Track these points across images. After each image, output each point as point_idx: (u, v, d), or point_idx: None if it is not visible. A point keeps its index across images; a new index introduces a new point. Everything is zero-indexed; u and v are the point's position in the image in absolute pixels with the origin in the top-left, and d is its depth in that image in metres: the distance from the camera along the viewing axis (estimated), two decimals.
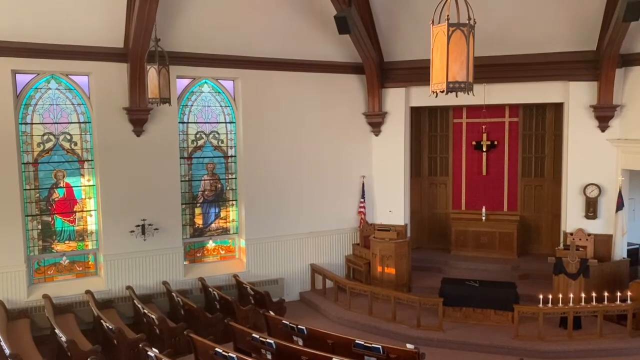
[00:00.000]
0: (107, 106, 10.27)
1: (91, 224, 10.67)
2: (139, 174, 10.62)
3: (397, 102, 12.92)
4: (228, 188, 12.07)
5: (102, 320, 8.79)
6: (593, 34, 10.82)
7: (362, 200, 13.06)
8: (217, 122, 11.82)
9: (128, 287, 10.45)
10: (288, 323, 8.62)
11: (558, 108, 12.69)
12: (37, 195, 10.19)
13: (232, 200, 12.10)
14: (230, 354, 7.21)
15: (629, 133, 11.00)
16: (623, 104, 11.03)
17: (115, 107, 10.29)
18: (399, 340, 9.29)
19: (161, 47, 8.82)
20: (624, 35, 10.05)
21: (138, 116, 10.42)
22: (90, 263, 10.79)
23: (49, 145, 10.21)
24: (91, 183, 10.58)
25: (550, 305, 9.65)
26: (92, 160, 10.51)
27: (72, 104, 10.33)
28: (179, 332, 8.67)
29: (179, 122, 11.26)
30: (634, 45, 10.54)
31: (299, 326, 8.45)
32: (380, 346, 7.59)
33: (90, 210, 10.65)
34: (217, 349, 7.34)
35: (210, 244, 12.03)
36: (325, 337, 8.18)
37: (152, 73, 8.77)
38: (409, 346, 7.58)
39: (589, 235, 11.37)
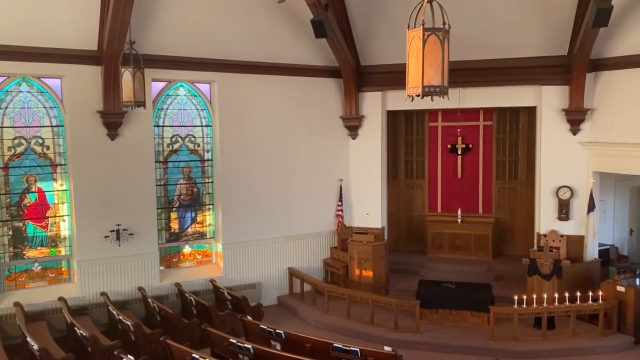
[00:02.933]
0: (80, 109, 10.10)
1: (64, 229, 10.47)
2: (114, 178, 10.46)
3: (374, 106, 13.01)
4: (204, 192, 11.97)
5: (75, 328, 8.62)
6: (564, 40, 11.06)
7: (340, 203, 13.09)
8: (193, 126, 11.72)
9: (102, 294, 10.28)
10: (266, 327, 8.58)
11: (531, 112, 12.91)
12: (8, 200, 9.96)
13: (209, 205, 12.01)
14: None
15: (599, 136, 11.26)
16: (593, 107, 11.29)
17: (89, 110, 10.13)
18: (376, 343, 9.33)
19: (136, 50, 8.71)
20: (593, 40, 10.30)
21: (112, 119, 10.27)
22: (63, 269, 10.59)
23: (20, 149, 9.99)
24: (64, 188, 10.39)
25: (524, 306, 9.80)
26: (65, 164, 10.33)
27: (44, 107, 10.14)
28: (154, 339, 8.54)
29: (155, 126, 11.13)
30: (604, 50, 10.80)
31: (276, 330, 8.41)
32: (358, 349, 7.61)
33: (63, 216, 10.45)
34: (193, 355, 7.26)
35: (187, 249, 11.92)
36: (303, 341, 8.17)
37: (126, 76, 8.65)
38: (387, 349, 7.61)
39: (562, 236, 11.58)
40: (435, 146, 14.49)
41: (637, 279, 10.05)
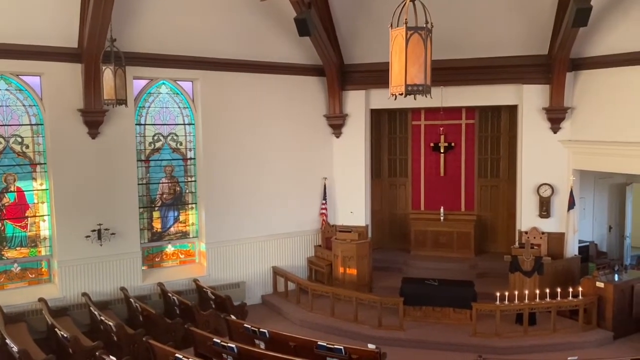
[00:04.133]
0: (60, 108, 9.95)
1: (44, 229, 10.31)
2: (95, 177, 10.34)
3: (358, 104, 13.04)
4: (187, 191, 11.89)
5: (56, 329, 8.50)
6: (545, 39, 11.20)
7: (324, 201, 13.10)
8: (175, 124, 11.63)
9: (84, 294, 10.16)
10: (250, 327, 8.56)
11: (512, 110, 13.05)
12: None
13: (192, 204, 11.93)
14: None
15: (579, 134, 11.43)
16: (573, 106, 11.45)
17: (69, 108, 9.99)
18: (360, 341, 9.35)
19: (117, 47, 8.60)
20: (573, 40, 10.45)
21: (93, 118, 10.14)
22: (43, 270, 10.43)
23: None
24: (44, 187, 10.23)
25: (506, 302, 9.91)
26: (44, 163, 10.17)
27: (23, 105, 9.96)
28: (137, 339, 8.46)
29: (136, 124, 11.02)
30: (583, 49, 10.96)
31: (260, 329, 8.39)
32: (342, 347, 7.62)
33: (43, 215, 10.29)
34: (177, 355, 7.20)
35: (170, 249, 11.82)
36: (287, 339, 8.16)
37: (107, 74, 8.54)
38: (371, 346, 7.64)
39: (543, 233, 11.73)
40: (418, 144, 14.57)
41: (616, 275, 10.24)
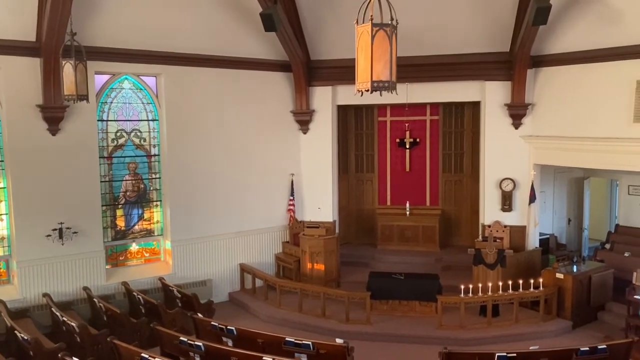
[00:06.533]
0: (18, 103, 9.63)
1: (2, 228, 9.99)
2: (56, 174, 10.06)
3: (324, 100, 13.06)
4: (152, 188, 11.70)
5: (16, 331, 8.26)
6: (506, 37, 11.44)
7: (292, 198, 13.09)
8: (139, 120, 11.41)
9: (45, 295, 9.89)
10: (217, 324, 8.50)
11: (475, 107, 13.28)
12: None
13: (156, 201, 11.74)
14: (156, 359, 7.00)
15: (539, 130, 11.73)
16: (534, 102, 11.74)
17: (27, 104, 9.68)
18: (328, 336, 9.41)
19: (77, 42, 8.35)
20: (533, 38, 10.71)
21: (53, 114, 9.86)
22: (1, 270, 10.12)
23: None
24: (1, 185, 9.91)
25: (470, 294, 10.11)
26: (2, 160, 9.84)
27: None
28: (101, 339, 8.30)
29: (98, 120, 10.78)
30: (543, 47, 11.24)
31: (228, 327, 8.35)
32: (310, 342, 7.65)
33: (1, 215, 9.96)
34: (142, 355, 7.10)
35: (134, 247, 11.62)
36: (255, 336, 8.13)
37: (67, 68, 8.30)
38: (339, 341, 7.70)
39: (505, 227, 12.00)
40: (384, 140, 14.70)
41: (575, 266, 10.57)
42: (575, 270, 10.44)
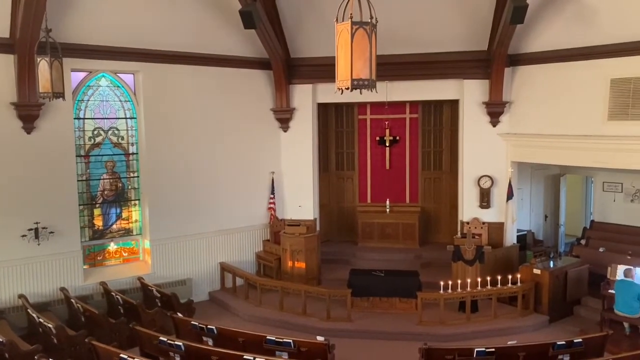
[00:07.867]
0: None
1: None
2: (31, 174, 9.88)
3: (305, 98, 13.05)
4: (130, 187, 11.56)
5: None
6: (484, 36, 11.56)
7: (272, 196, 13.06)
8: (116, 118, 11.27)
9: (20, 296, 9.72)
10: (197, 324, 8.44)
11: (454, 105, 13.40)
12: None
13: (135, 200, 11.61)
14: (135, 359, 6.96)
15: (516, 128, 11.89)
16: (511, 100, 11.90)
17: (1, 102, 9.48)
18: (309, 334, 9.41)
19: (53, 38, 8.20)
20: (511, 36, 10.85)
21: (28, 112, 9.67)
22: None
23: None
24: None
25: (450, 291, 10.22)
26: None
27: None
28: (79, 340, 8.19)
29: (75, 118, 10.61)
30: (520, 46, 11.40)
31: (208, 326, 8.30)
32: (291, 340, 7.65)
33: None
34: (121, 355, 7.02)
35: (112, 246, 11.48)
36: (236, 335, 8.10)
37: (43, 65, 8.14)
38: (319, 338, 7.72)
39: (484, 223, 12.14)
40: (364, 138, 14.76)
41: (551, 262, 10.75)
42: (552, 265, 10.62)
